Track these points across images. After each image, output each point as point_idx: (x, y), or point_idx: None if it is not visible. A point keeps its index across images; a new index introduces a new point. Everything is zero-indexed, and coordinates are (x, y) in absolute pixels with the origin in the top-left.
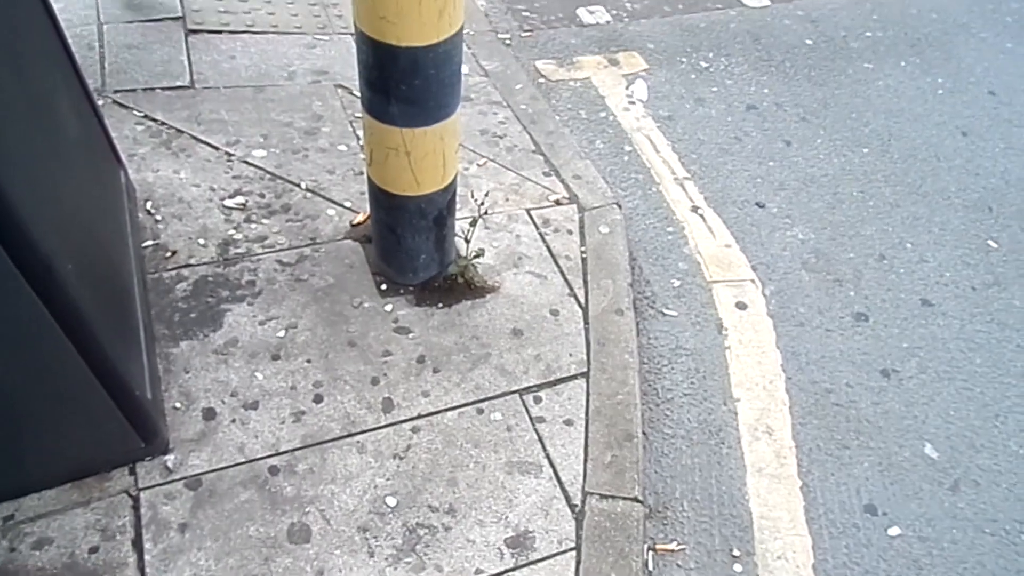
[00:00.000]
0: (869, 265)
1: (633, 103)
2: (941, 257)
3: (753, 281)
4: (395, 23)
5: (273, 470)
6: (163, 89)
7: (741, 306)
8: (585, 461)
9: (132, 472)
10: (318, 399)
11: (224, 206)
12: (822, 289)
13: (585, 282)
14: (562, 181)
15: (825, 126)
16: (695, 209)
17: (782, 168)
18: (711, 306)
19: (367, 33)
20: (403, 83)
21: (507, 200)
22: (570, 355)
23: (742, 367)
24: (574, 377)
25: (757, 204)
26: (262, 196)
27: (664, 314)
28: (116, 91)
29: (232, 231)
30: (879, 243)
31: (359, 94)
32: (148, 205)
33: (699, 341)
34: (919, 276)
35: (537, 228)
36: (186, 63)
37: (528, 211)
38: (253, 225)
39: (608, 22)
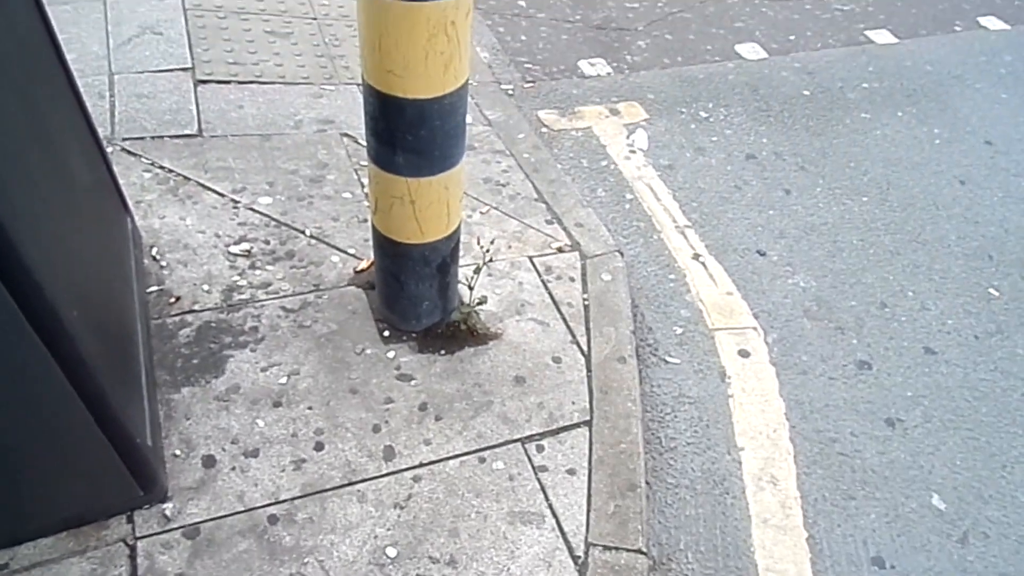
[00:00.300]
0: (871, 313)
1: (634, 152)
2: (943, 305)
3: (755, 329)
4: (402, 76)
5: (272, 519)
6: (171, 137)
7: (744, 354)
8: (588, 511)
9: (130, 520)
10: (319, 447)
11: (229, 252)
12: (824, 337)
13: (587, 329)
14: (564, 229)
15: (824, 175)
16: (696, 257)
17: (782, 216)
18: (714, 354)
19: (374, 86)
20: (409, 134)
21: (510, 247)
22: (573, 403)
23: (746, 416)
24: (577, 425)
25: (758, 252)
26: (267, 243)
27: (667, 362)
28: (125, 139)
29: (236, 277)
30: (880, 291)
31: (364, 143)
32: (154, 251)
33: (702, 389)
34: (921, 324)
35: (540, 275)
36: (195, 112)
37: (531, 258)
38: (257, 271)
39: (609, 74)
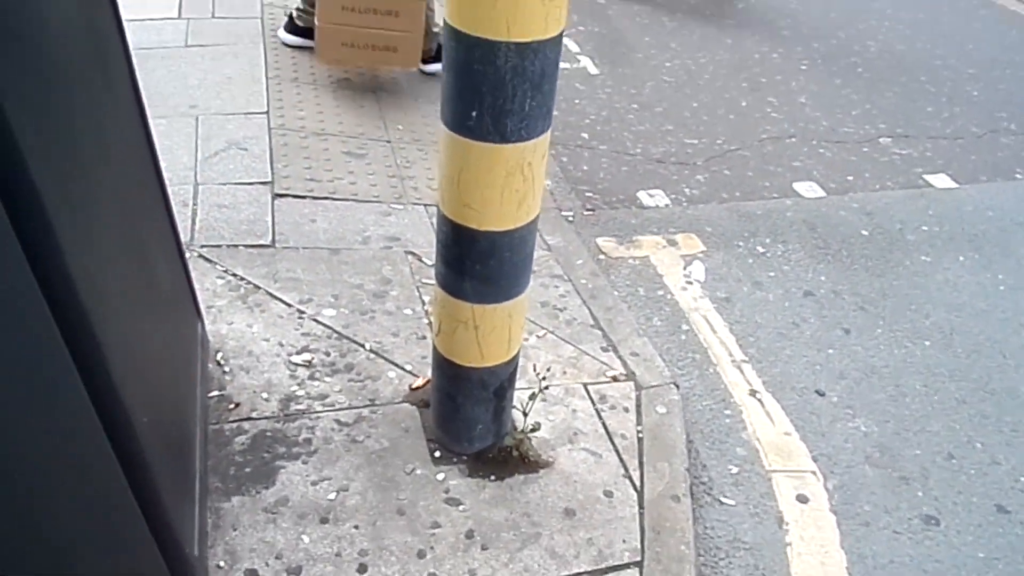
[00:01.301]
0: (937, 464)
1: (691, 283)
2: (1015, 460)
3: (814, 473)
4: (478, 210)
5: None
6: (246, 246)
7: (802, 499)
8: None
9: None
10: (362, 569)
11: (290, 362)
12: (888, 487)
13: (640, 463)
14: (620, 357)
15: (884, 316)
16: (753, 393)
17: (842, 356)
18: (771, 497)
19: (449, 216)
20: (479, 263)
21: (565, 373)
22: (623, 541)
23: (804, 567)
24: (627, 566)
25: (817, 392)
26: (327, 354)
27: (721, 502)
28: (203, 246)
29: (295, 387)
30: (947, 441)
31: (428, 261)
32: (219, 356)
33: (758, 535)
34: (992, 479)
35: (594, 404)
36: (270, 223)
37: (585, 386)
38: (316, 382)
39: (667, 205)
